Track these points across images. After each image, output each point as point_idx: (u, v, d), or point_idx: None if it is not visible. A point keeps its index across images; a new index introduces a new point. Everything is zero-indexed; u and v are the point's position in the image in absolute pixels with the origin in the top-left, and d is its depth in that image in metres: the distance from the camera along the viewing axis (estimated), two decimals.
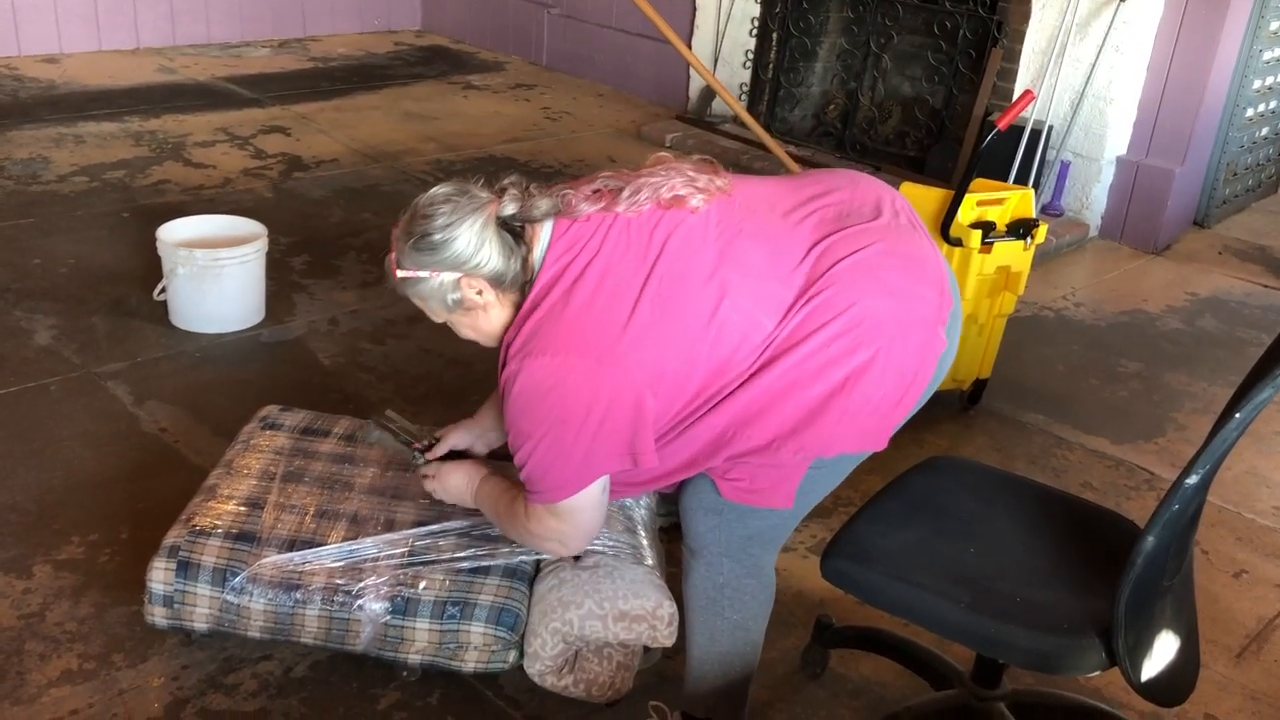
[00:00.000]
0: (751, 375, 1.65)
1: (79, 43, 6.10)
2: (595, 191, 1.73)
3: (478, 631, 1.96)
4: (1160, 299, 4.13)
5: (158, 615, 2.04)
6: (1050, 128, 4.48)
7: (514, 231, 1.71)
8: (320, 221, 4.17)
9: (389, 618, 1.98)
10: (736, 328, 1.65)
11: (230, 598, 1.99)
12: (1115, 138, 4.51)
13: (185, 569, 2.00)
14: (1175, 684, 1.68)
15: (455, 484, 2.02)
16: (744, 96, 5.52)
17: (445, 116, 5.58)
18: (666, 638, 1.96)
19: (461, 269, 1.70)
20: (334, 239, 4.02)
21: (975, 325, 3.04)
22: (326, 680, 2.07)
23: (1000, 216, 2.95)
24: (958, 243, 2.89)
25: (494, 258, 1.69)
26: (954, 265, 2.92)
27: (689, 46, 5.41)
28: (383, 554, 2.03)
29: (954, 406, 3.21)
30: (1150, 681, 1.61)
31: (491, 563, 2.02)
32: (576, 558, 2.01)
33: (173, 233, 3.30)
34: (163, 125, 5.07)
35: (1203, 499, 1.58)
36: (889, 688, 2.17)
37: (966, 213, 2.89)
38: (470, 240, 1.68)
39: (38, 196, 4.16)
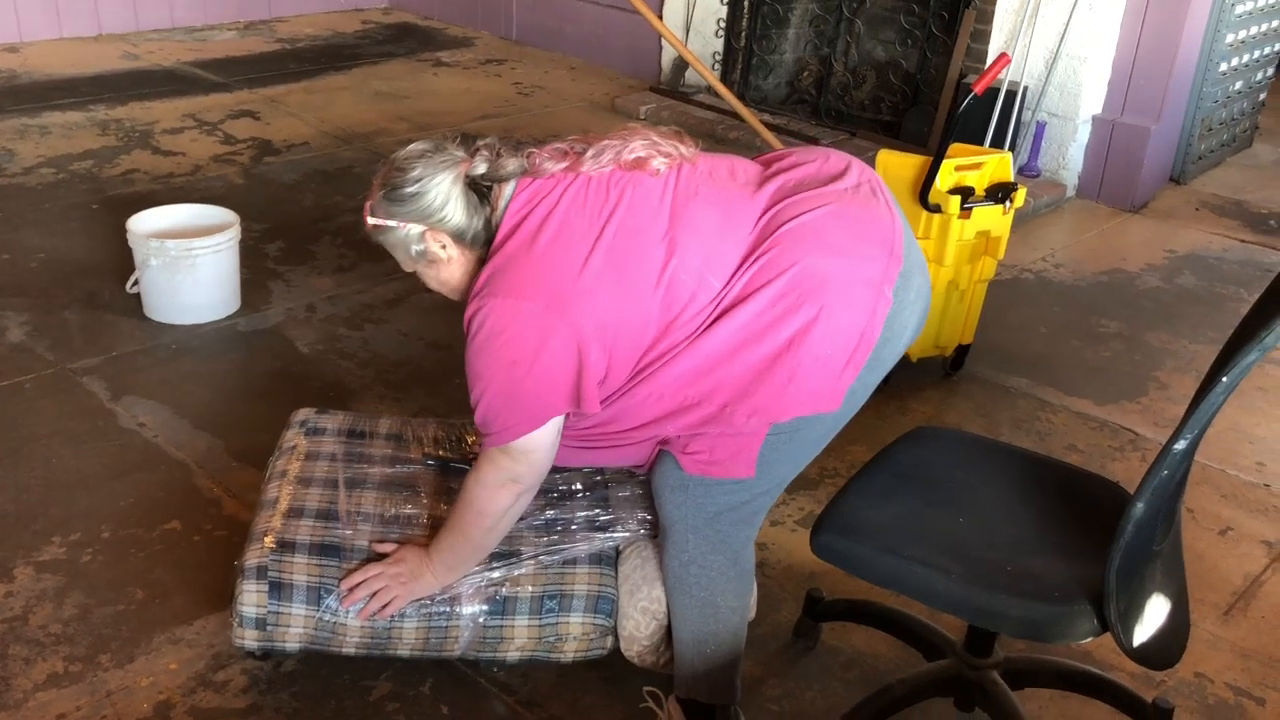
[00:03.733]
0: (700, 334, 1.69)
1: (39, 30, 6.00)
2: (560, 151, 1.81)
3: (576, 622, 1.96)
4: (1139, 257, 4.13)
5: (248, 639, 1.95)
6: (1025, 88, 4.46)
7: (481, 191, 1.78)
8: (293, 206, 4.12)
9: (486, 619, 1.95)
10: (685, 286, 1.69)
11: (326, 616, 1.92)
12: (1090, 97, 4.49)
13: (278, 590, 1.92)
14: (1167, 647, 1.68)
15: (413, 560, 1.93)
16: (717, 65, 5.48)
17: (416, 95, 5.51)
18: (749, 608, 1.98)
19: (427, 222, 1.77)
20: (308, 224, 3.97)
21: (956, 291, 3.03)
22: (317, 674, 2.05)
23: (979, 181, 2.94)
24: (937, 209, 2.87)
25: (458, 214, 1.77)
26: (934, 232, 2.91)
27: (660, 16, 5.36)
28: None
29: (937, 373, 3.20)
30: (1142, 646, 1.61)
31: (576, 551, 2.00)
32: (654, 535, 2.01)
33: (143, 223, 3.25)
34: (129, 113, 4.99)
35: (1190, 462, 1.58)
36: (881, 659, 2.18)
37: (945, 178, 2.88)
38: (439, 196, 1.76)
39: (3, 189, 4.10)
